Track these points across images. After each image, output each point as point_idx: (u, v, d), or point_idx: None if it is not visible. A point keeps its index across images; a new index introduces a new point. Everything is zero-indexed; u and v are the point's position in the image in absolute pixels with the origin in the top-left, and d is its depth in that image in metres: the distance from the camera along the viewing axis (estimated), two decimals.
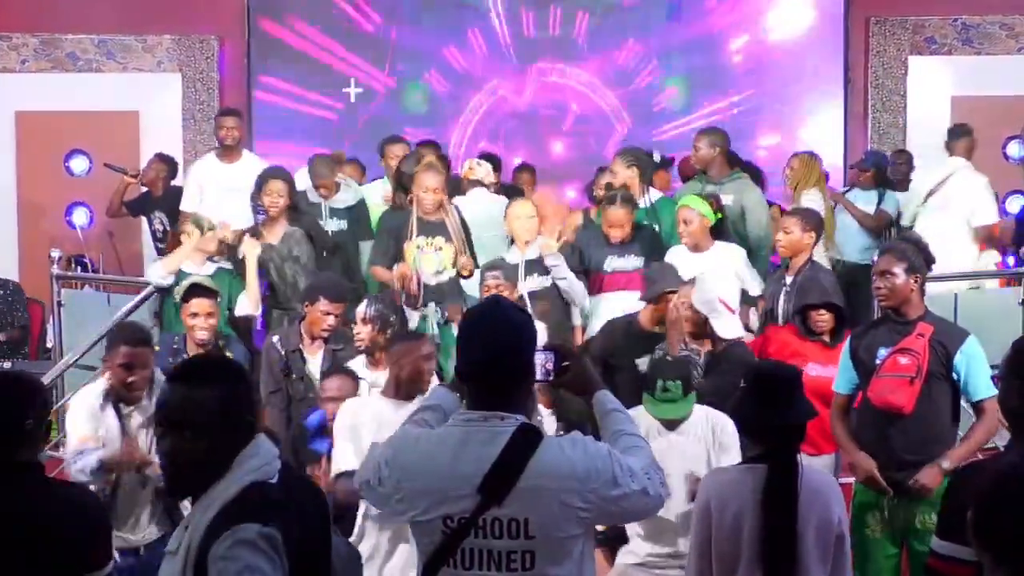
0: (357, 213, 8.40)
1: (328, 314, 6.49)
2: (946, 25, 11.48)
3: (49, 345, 9.00)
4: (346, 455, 5.00)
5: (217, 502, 2.93)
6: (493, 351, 3.23)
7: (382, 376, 5.68)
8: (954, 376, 5.28)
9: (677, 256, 7.25)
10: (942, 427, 5.32)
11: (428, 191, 7.43)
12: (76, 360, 7.50)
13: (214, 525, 2.88)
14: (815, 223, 7.02)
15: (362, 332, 6.03)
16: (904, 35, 11.45)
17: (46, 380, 7.36)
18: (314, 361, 6.57)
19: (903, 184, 10.33)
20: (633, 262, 7.31)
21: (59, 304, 8.42)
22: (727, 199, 7.73)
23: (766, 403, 4.04)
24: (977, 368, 5.27)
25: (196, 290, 6.55)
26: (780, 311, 6.77)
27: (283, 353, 6.59)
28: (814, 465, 4.98)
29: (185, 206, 8.91)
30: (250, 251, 7.44)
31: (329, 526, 3.22)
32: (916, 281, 5.27)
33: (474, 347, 3.27)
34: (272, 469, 3.02)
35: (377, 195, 8.59)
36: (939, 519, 3.56)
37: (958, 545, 3.17)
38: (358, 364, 6.11)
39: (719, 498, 4.04)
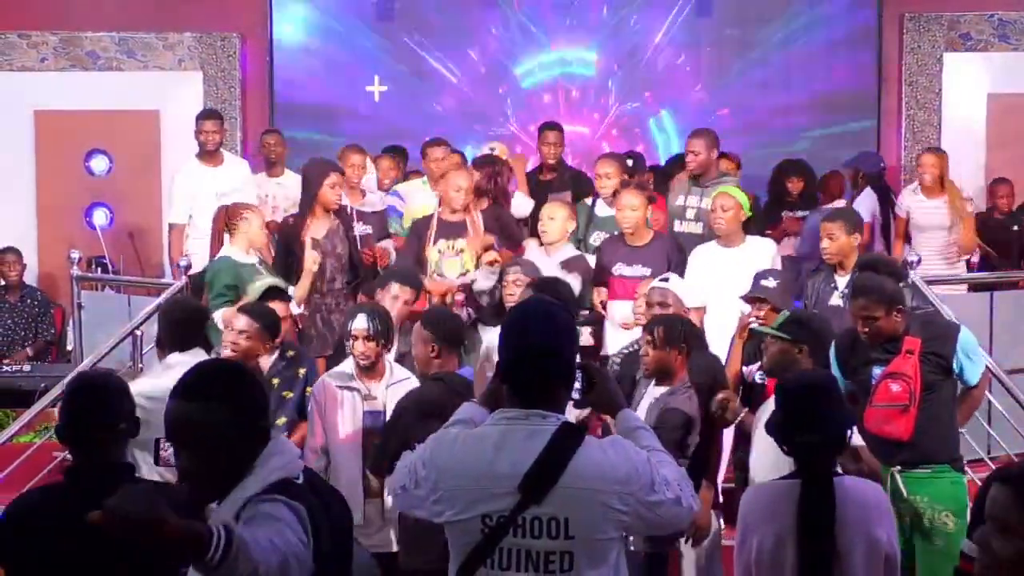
0: (381, 219, 8.26)
1: (397, 298, 6.41)
2: (982, 21, 11.28)
3: (69, 347, 8.88)
4: None
5: (240, 500, 2.87)
6: (536, 349, 3.20)
7: (375, 386, 5.69)
8: (955, 370, 5.25)
9: (708, 252, 7.10)
10: (949, 428, 5.29)
11: (459, 191, 7.41)
12: (96, 363, 7.33)
13: (248, 503, 2.85)
14: (858, 223, 6.87)
15: (367, 350, 5.69)
16: (939, 31, 11.26)
17: (64, 384, 7.22)
18: None
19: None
20: (640, 271, 7.16)
21: (79, 306, 8.28)
22: (709, 202, 7.62)
23: (795, 417, 3.86)
24: (972, 358, 5.27)
25: (273, 292, 6.35)
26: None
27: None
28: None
29: (174, 218, 8.69)
30: (312, 263, 7.28)
31: (351, 532, 3.19)
32: (899, 313, 5.15)
33: (517, 344, 3.24)
34: (296, 467, 2.98)
35: (417, 194, 8.41)
36: (972, 522, 3.45)
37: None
38: (343, 375, 5.82)
39: (758, 517, 3.86)
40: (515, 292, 6.37)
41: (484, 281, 7.15)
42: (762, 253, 7.13)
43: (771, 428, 3.98)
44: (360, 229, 8.07)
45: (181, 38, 11.36)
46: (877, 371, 5.21)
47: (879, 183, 9.78)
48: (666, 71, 11.43)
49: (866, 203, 9.25)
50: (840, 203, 9.18)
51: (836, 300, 6.69)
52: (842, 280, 6.72)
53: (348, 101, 11.42)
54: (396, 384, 5.71)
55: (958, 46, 11.27)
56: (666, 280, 6.19)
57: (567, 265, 7.08)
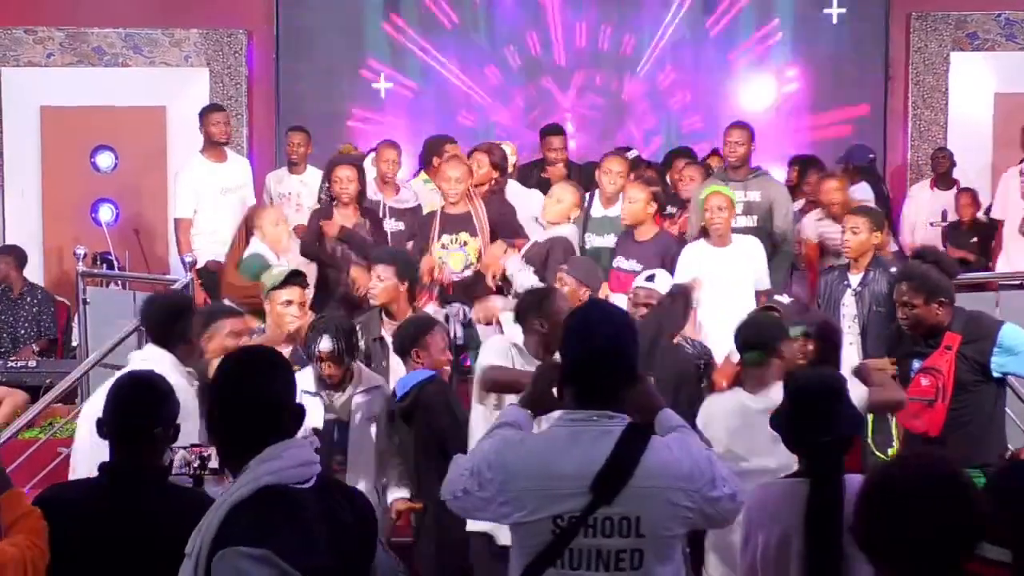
0: (414, 216, 8.24)
1: (376, 278, 6.35)
2: (989, 20, 11.27)
3: (74, 344, 8.88)
4: None
5: (227, 504, 2.88)
6: (603, 351, 3.27)
7: (338, 396, 5.49)
8: (997, 375, 5.18)
9: (698, 251, 7.11)
10: (986, 431, 5.22)
11: (451, 181, 7.39)
12: (101, 359, 7.34)
13: (221, 528, 2.85)
14: (881, 222, 6.86)
15: (334, 371, 5.47)
16: (946, 30, 11.25)
17: (70, 379, 7.24)
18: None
19: (947, 183, 10.17)
20: (634, 266, 7.10)
21: (84, 302, 8.28)
22: (754, 195, 7.73)
23: (806, 417, 3.84)
24: (1020, 352, 5.19)
25: (294, 277, 6.26)
26: (845, 313, 6.59)
27: (365, 345, 6.30)
28: None
29: (180, 213, 8.72)
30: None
31: (370, 538, 3.13)
32: (940, 305, 5.10)
33: (581, 347, 3.30)
34: (297, 474, 2.94)
35: (423, 194, 8.43)
36: None
37: (996, 547, 2.99)
38: (307, 381, 5.52)
39: (764, 516, 3.84)
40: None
41: (525, 279, 7.03)
42: (752, 250, 7.16)
43: (778, 424, 3.98)
44: (392, 225, 8.05)
45: (187, 34, 11.36)
46: (916, 364, 5.20)
47: (870, 175, 9.77)
48: (670, 68, 11.42)
49: (861, 196, 9.21)
50: None
51: (849, 298, 6.68)
52: (855, 278, 6.71)
53: (354, 98, 11.41)
54: (362, 393, 5.54)
55: (965, 45, 11.26)
56: (651, 279, 6.18)
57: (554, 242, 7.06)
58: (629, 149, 9.55)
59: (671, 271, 6.77)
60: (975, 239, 9.59)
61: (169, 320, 4.95)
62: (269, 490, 2.88)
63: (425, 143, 8.84)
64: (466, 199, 7.47)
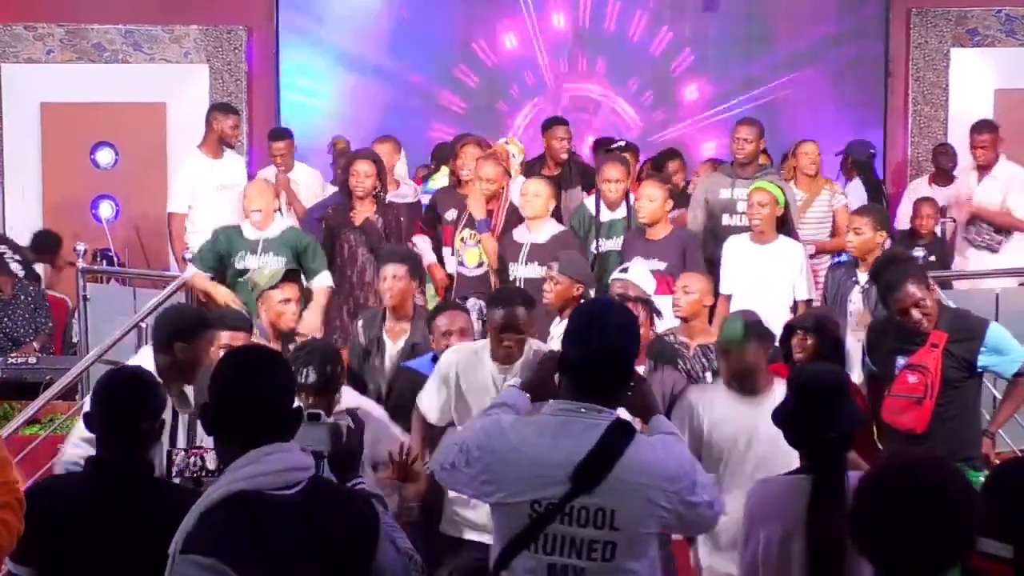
0: (413, 212, 8.24)
1: (392, 278, 6.25)
2: (989, 16, 11.27)
3: (75, 340, 8.89)
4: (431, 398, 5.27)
5: (199, 507, 2.89)
6: (602, 347, 3.33)
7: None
8: (980, 371, 5.23)
9: (740, 244, 7.10)
10: (969, 426, 5.28)
11: (483, 181, 7.43)
12: (101, 355, 7.34)
13: (189, 533, 2.85)
14: (884, 221, 6.87)
15: (319, 401, 5.04)
16: (946, 26, 11.24)
17: (70, 376, 7.24)
18: (394, 348, 6.25)
19: (946, 179, 10.15)
20: (656, 264, 7.04)
21: (85, 299, 8.28)
22: None
23: (806, 413, 3.83)
24: (1005, 352, 5.24)
25: (289, 275, 6.33)
26: (852, 311, 6.61)
27: (364, 341, 6.33)
28: None
29: (174, 207, 8.72)
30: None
31: (365, 544, 3.05)
32: (936, 296, 5.15)
33: (584, 341, 3.36)
34: (276, 480, 2.89)
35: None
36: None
37: (998, 543, 3.02)
38: None
39: (766, 513, 3.84)
40: (550, 289, 6.20)
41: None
42: (791, 254, 7.14)
43: (779, 420, 3.97)
44: None
45: (187, 31, 11.36)
46: (901, 361, 5.22)
47: (867, 171, 9.74)
48: (671, 64, 11.41)
49: (855, 194, 9.18)
50: None
51: (856, 295, 6.69)
52: (863, 275, 6.72)
53: (355, 95, 11.40)
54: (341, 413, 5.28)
55: (965, 41, 11.25)
56: (625, 271, 6.23)
57: (558, 241, 7.04)
58: (613, 141, 9.52)
59: (690, 263, 6.83)
60: (925, 253, 9.28)
61: (166, 332, 4.87)
62: (240, 496, 2.85)
63: (455, 139, 8.87)
64: (496, 199, 7.51)
